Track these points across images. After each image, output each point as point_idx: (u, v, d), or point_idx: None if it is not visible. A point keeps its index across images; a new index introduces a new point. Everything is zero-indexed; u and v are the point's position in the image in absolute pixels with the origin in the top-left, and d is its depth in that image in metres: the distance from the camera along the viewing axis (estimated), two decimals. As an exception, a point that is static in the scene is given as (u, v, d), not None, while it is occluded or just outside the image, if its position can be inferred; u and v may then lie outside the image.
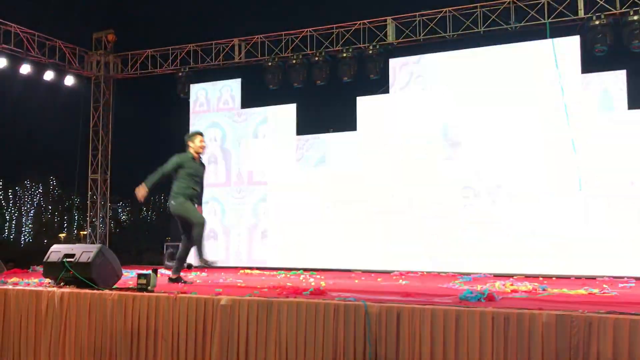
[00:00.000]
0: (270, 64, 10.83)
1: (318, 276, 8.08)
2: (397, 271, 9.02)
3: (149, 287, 5.08)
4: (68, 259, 5.37)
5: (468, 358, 4.03)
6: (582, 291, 5.87)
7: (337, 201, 10.35)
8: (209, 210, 11.34)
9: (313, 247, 10.43)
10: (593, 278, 7.85)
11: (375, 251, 9.87)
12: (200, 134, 6.77)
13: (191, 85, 11.73)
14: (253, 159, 11.11)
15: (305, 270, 9.18)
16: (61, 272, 5.36)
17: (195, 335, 4.80)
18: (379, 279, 7.81)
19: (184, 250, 6.75)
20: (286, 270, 9.14)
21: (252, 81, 11.33)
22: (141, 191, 6.30)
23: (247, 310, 4.69)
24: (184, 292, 4.95)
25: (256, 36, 11.14)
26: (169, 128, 12.27)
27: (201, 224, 6.46)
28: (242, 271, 9.17)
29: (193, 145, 6.65)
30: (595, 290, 5.92)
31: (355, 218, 10.14)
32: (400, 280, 7.43)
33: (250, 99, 11.37)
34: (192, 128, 11.67)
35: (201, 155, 6.76)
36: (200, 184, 6.69)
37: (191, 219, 6.45)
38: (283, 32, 10.91)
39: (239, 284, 6.54)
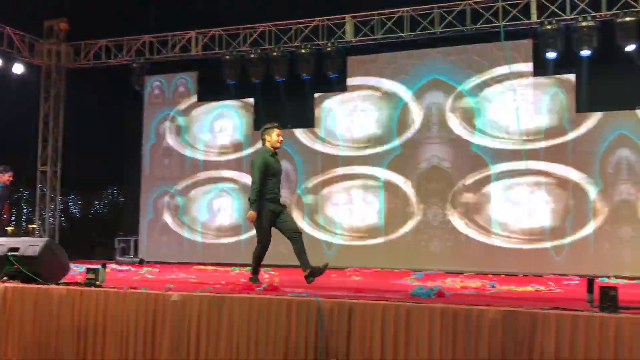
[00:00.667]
0: (227, 57, 10.73)
1: (273, 272, 8.06)
2: (352, 267, 9.08)
3: (98, 282, 4.97)
4: (12, 253, 5.20)
5: (417, 353, 4.10)
6: (529, 288, 6.04)
7: (292, 197, 10.35)
8: (162, 204, 11.18)
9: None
10: (540, 275, 8.08)
11: (329, 247, 9.94)
12: (278, 127, 5.97)
13: (146, 77, 11.53)
14: (210, 153, 11.00)
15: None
16: (5, 266, 5.19)
17: (145, 331, 4.72)
18: (332, 275, 7.84)
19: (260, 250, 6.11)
20: (240, 267, 9.08)
21: (210, 75, 11.20)
22: (253, 216, 5.79)
23: (199, 306, 4.64)
24: (134, 288, 4.87)
25: (214, 29, 11.01)
26: (122, 120, 12.00)
27: (262, 245, 5.97)
28: (196, 267, 9.07)
29: (270, 139, 5.89)
30: (542, 288, 6.11)
31: (311, 213, 10.18)
32: (354, 277, 7.48)
33: (207, 93, 11.25)
34: (147, 120, 11.49)
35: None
36: (279, 180, 5.99)
37: (257, 236, 5.94)
38: (241, 27, 10.82)
39: (191, 280, 6.47)
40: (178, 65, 11.44)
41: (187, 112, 11.28)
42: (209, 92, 11.25)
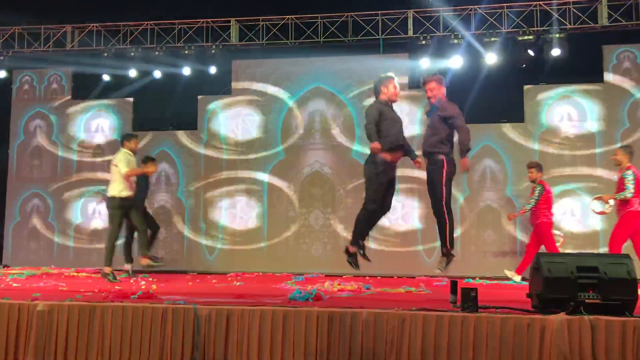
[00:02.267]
0: (106, 54, 10.29)
1: (150, 279, 7.84)
2: (234, 272, 9.05)
3: (-47, 293, 4.57)
4: None
5: (294, 357, 4.19)
6: (401, 290, 6.36)
7: (173, 201, 10.13)
8: (31, 207, 10.48)
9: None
10: (413, 277, 8.52)
11: (211, 252, 9.84)
12: (392, 77, 5.74)
13: (14, 71, 10.76)
14: (85, 154, 10.47)
15: (137, 272, 8.84)
16: None
17: (6, 344, 4.42)
18: (213, 281, 7.78)
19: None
20: (117, 272, 8.72)
21: (86, 71, 10.65)
22: (378, 147, 5.40)
23: (67, 315, 4.43)
24: (-5, 298, 4.54)
25: (91, 24, 10.51)
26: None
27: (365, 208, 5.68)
28: (67, 273, 8.58)
29: (387, 91, 5.67)
30: (413, 289, 6.45)
31: (192, 217, 10.03)
32: (236, 282, 7.47)
33: (83, 90, 10.70)
34: (14, 117, 10.73)
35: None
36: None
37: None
38: (121, 23, 10.42)
39: (60, 288, 6.13)
40: (52, 59, 10.78)
41: (60, 110, 10.66)
42: (85, 89, 10.71)
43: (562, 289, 4.03)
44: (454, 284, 4.68)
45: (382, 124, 5.54)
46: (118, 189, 7.32)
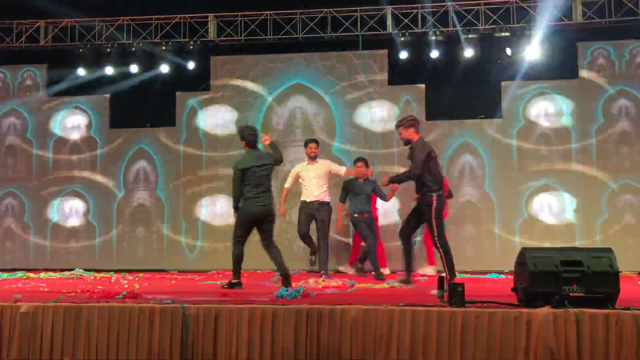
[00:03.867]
0: (81, 50, 10.10)
1: (131, 277, 7.77)
2: (215, 270, 9.00)
3: None
4: None
5: (283, 355, 4.19)
6: (385, 285, 6.41)
7: (152, 199, 10.03)
8: (5, 206, 10.27)
9: (125, 248, 9.99)
10: (395, 273, 8.57)
11: (192, 250, 9.78)
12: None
13: (-15, 68, 10.53)
14: (60, 152, 10.29)
15: (116, 271, 8.76)
16: None
17: (-11, 347, 4.34)
18: (196, 278, 7.74)
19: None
20: (96, 272, 8.63)
21: (60, 68, 10.45)
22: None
23: (52, 317, 4.37)
24: (-23, 301, 4.46)
25: (66, 20, 10.31)
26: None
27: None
28: (44, 274, 8.44)
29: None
30: (396, 284, 6.50)
31: (171, 215, 9.94)
32: (218, 281, 7.42)
33: (57, 87, 10.50)
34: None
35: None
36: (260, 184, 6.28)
37: None
38: (97, 19, 10.25)
39: (41, 289, 6.03)
40: (25, 55, 10.55)
41: (34, 107, 10.44)
42: (60, 86, 10.50)
43: (548, 283, 4.12)
44: (441, 279, 4.74)
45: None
46: None
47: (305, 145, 7.77)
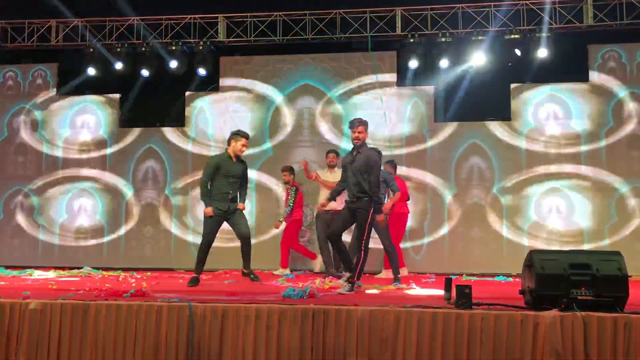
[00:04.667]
0: (92, 50, 10.17)
1: (139, 276, 7.80)
2: (223, 269, 9.02)
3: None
4: None
5: (289, 354, 4.20)
6: (391, 287, 6.40)
7: (160, 197, 10.07)
8: (14, 204, 10.34)
9: (133, 246, 10.03)
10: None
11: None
12: (246, 136, 6.76)
13: (-3, 67, 10.61)
14: (70, 150, 10.36)
15: (124, 270, 8.79)
16: None
17: (-3, 343, 4.38)
18: (203, 277, 7.75)
19: None
20: (104, 270, 8.67)
21: (71, 67, 10.53)
22: (208, 212, 6.51)
23: (60, 314, 4.40)
24: (-14, 297, 4.49)
25: (76, 19, 10.38)
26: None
27: (202, 239, 6.66)
28: (53, 272, 8.49)
29: (234, 145, 6.67)
30: (403, 286, 6.49)
31: (179, 215, 9.98)
32: (225, 281, 7.44)
33: (68, 86, 10.57)
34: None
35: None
36: (236, 184, 6.67)
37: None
38: (107, 18, 10.31)
39: (50, 286, 6.07)
40: (36, 54, 10.63)
41: (44, 106, 10.52)
42: (70, 85, 10.58)
43: (555, 285, 4.09)
44: (448, 281, 4.73)
45: None
46: None
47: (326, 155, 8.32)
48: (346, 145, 9.72)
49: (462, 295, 4.22)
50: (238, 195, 6.76)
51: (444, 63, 9.48)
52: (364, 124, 6.07)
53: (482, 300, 4.44)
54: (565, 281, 4.09)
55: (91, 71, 10.24)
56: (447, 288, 4.69)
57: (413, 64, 9.52)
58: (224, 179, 6.55)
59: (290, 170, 8.68)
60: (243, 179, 6.81)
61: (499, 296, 5.11)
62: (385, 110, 9.63)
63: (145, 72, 10.20)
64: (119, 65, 10.11)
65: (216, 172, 6.55)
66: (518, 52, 9.27)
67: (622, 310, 4.01)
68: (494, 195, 9.40)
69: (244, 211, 6.78)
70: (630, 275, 4.26)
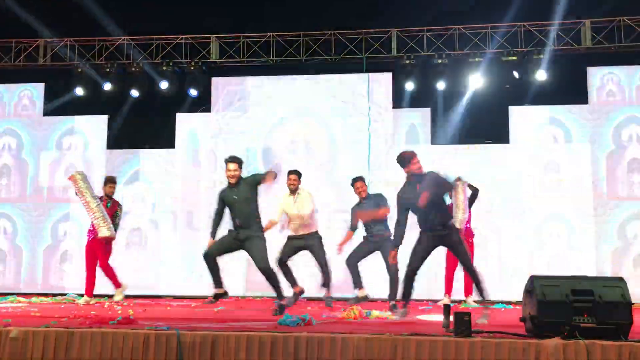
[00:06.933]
0: (80, 70, 9.96)
1: (125, 303, 7.47)
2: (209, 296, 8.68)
3: None
4: None
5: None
6: (388, 314, 6.11)
7: (148, 221, 9.76)
8: (-2, 228, 10.00)
9: (120, 271, 9.67)
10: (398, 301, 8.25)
11: (187, 275, 9.45)
12: (230, 160, 6.07)
13: (-18, 86, 10.36)
14: (54, 173, 10.05)
15: (110, 297, 8.44)
16: None
17: (-28, 374, 4.06)
18: (192, 305, 7.46)
19: None
20: (100, 297, 8.31)
21: (58, 87, 10.30)
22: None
23: (43, 342, 4.11)
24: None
25: (65, 39, 10.19)
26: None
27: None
28: (36, 298, 8.13)
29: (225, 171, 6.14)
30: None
31: (167, 239, 9.66)
32: (215, 308, 7.11)
33: (54, 107, 10.32)
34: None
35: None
36: (239, 210, 6.12)
37: None
38: (97, 38, 10.13)
39: (32, 313, 5.74)
40: (22, 74, 10.40)
41: (31, 126, 10.25)
42: (57, 105, 10.33)
43: (557, 312, 3.94)
44: (447, 308, 4.51)
45: None
46: None
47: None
48: (342, 167, 9.50)
49: (461, 322, 3.99)
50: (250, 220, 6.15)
51: (440, 85, 9.35)
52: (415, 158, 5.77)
53: (482, 327, 4.22)
54: (567, 308, 3.92)
55: (79, 91, 10.02)
56: (446, 315, 4.46)
57: (409, 85, 9.38)
58: (228, 209, 6.20)
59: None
60: (246, 200, 6.15)
61: (499, 323, 4.92)
62: (378, 132, 9.44)
63: (135, 93, 10.00)
64: (107, 86, 9.91)
65: (222, 203, 6.20)
66: (516, 74, 9.17)
67: (626, 338, 3.83)
68: (492, 220, 9.18)
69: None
70: (634, 303, 4.06)
